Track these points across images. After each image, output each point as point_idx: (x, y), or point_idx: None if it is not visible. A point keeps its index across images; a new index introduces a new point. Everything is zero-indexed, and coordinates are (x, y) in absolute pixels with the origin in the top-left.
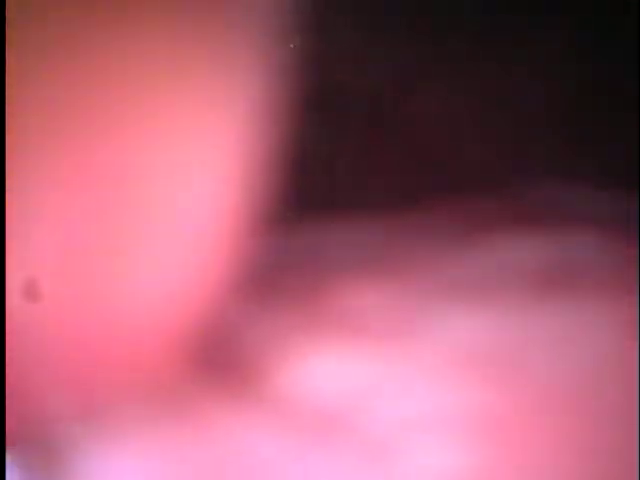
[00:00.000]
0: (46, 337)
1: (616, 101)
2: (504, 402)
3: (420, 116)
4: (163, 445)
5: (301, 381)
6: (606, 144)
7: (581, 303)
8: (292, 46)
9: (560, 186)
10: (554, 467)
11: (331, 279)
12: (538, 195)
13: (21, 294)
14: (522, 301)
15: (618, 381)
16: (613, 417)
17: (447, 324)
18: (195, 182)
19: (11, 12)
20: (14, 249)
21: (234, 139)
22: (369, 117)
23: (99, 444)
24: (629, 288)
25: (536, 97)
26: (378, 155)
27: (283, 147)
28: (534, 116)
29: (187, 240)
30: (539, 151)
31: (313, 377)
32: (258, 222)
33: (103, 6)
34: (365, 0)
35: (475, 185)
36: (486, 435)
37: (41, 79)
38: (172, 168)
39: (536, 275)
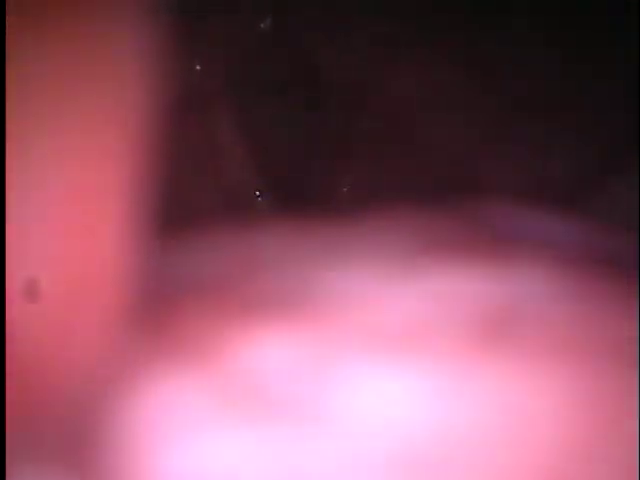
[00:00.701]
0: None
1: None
2: None
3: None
4: None
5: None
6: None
7: (528, 360)
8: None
9: (505, 203)
10: None
11: (219, 326)
12: (478, 213)
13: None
14: (455, 359)
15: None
16: None
17: (358, 394)
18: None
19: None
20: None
21: (125, 138)
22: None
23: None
24: (592, 338)
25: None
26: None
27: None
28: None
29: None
30: (489, 165)
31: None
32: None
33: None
34: None
35: (403, 198)
36: None
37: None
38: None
39: (475, 318)
